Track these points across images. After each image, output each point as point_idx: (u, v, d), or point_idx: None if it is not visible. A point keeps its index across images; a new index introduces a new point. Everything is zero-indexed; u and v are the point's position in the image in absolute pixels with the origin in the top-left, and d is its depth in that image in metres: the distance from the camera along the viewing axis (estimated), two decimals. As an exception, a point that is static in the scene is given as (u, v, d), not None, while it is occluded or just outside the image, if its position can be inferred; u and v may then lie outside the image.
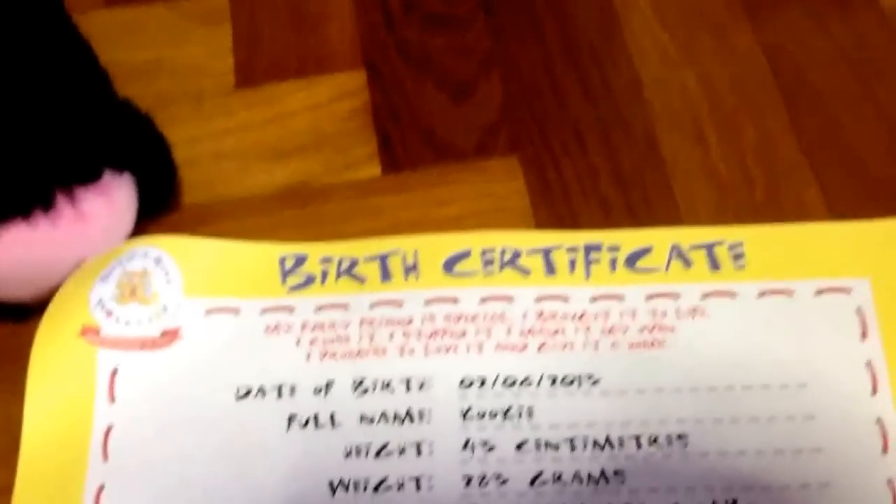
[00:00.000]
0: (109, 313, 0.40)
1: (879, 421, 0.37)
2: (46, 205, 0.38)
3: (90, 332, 0.39)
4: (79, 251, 0.40)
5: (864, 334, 0.39)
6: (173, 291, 0.40)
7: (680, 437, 0.37)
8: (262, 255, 0.42)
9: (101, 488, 0.37)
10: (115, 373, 0.39)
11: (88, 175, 0.39)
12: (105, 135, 0.40)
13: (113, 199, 0.40)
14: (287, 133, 0.46)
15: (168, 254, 0.41)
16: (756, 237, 0.41)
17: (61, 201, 0.39)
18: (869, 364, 0.38)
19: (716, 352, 0.39)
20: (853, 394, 0.38)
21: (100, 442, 0.38)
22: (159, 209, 0.43)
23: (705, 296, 0.40)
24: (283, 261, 0.41)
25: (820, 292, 0.40)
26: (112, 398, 0.39)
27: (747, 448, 0.37)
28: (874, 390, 0.38)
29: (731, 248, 0.41)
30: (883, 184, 0.43)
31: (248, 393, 0.39)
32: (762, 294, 0.40)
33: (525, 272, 0.41)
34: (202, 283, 0.41)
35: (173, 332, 0.40)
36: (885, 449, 0.37)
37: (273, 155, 0.45)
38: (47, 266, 0.40)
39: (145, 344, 0.40)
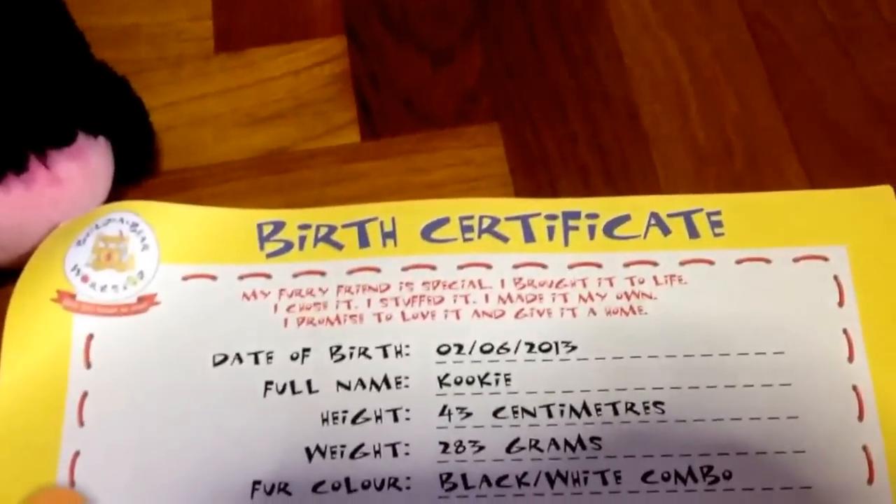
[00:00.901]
0: (85, 278, 0.39)
1: (855, 388, 0.38)
2: (19, 168, 0.38)
3: (65, 297, 0.39)
4: (53, 215, 0.40)
5: (840, 301, 0.39)
6: (150, 257, 0.40)
7: (657, 404, 0.37)
8: (240, 222, 0.41)
9: (76, 455, 0.37)
10: (90, 338, 0.39)
11: (62, 138, 0.39)
12: (80, 98, 0.40)
13: (88, 163, 0.40)
14: (266, 99, 0.46)
15: (145, 219, 0.40)
16: (735, 205, 0.41)
17: (35, 165, 0.38)
18: (845, 331, 0.39)
19: (693, 319, 0.39)
20: (830, 361, 0.38)
21: (75, 408, 0.38)
22: (136, 174, 0.43)
23: (683, 263, 0.40)
24: (260, 227, 0.41)
25: (797, 260, 0.40)
26: (87, 364, 0.38)
27: (724, 415, 0.37)
28: (850, 357, 0.38)
29: (710, 215, 0.41)
30: (862, 153, 0.43)
31: (224, 359, 0.39)
32: (740, 261, 0.40)
33: (503, 239, 0.41)
34: (179, 249, 0.40)
35: (149, 297, 0.40)
36: (860, 416, 0.37)
37: (252, 121, 0.45)
38: (21, 230, 0.39)
39: (121, 310, 0.39)
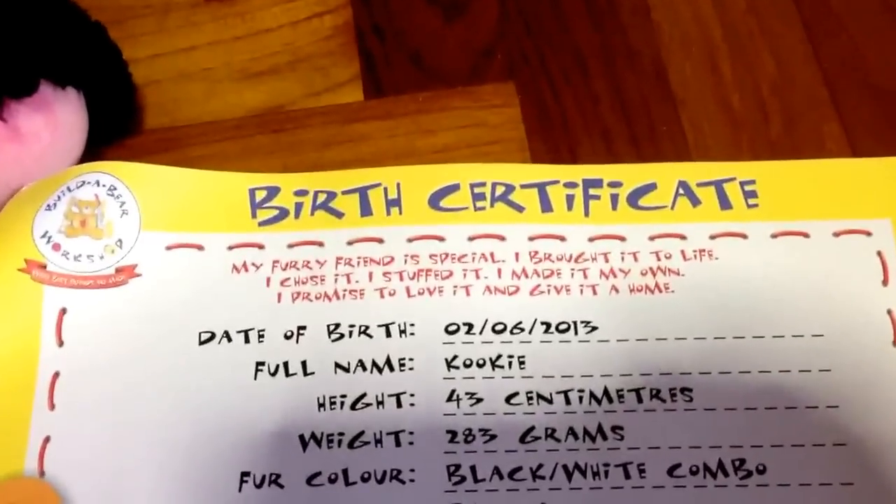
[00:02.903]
0: (56, 246, 0.38)
1: None
2: (-31, 119, 0.37)
3: (34, 266, 0.38)
4: (14, 175, 0.38)
5: (885, 280, 0.38)
6: (130, 224, 0.39)
7: (684, 390, 0.36)
8: (230, 186, 0.40)
9: (46, 440, 0.36)
10: (63, 313, 0.38)
11: (20, 87, 0.37)
12: (43, 42, 0.38)
13: (55, 117, 0.39)
14: (261, 52, 0.45)
15: (124, 182, 0.39)
16: (770, 174, 0.40)
17: (-10, 116, 0.38)
18: (890, 312, 0.37)
19: (724, 298, 0.38)
20: (873, 345, 0.37)
21: (45, 390, 0.37)
22: (116, 133, 0.42)
23: (714, 237, 0.39)
24: (253, 192, 0.40)
25: (838, 234, 0.39)
26: (60, 341, 0.37)
27: (757, 404, 0.36)
28: (895, 341, 0.37)
29: (743, 185, 0.40)
30: None
31: (211, 337, 0.38)
32: (776, 235, 0.39)
33: (518, 209, 0.40)
34: (162, 216, 0.39)
35: (129, 269, 0.39)
36: None
37: (245, 76, 0.44)
38: (-23, 191, 0.39)
39: (97, 281, 0.38)
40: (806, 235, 0.39)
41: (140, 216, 0.39)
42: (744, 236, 0.39)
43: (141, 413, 0.36)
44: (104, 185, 0.39)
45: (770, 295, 0.38)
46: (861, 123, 0.42)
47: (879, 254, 0.38)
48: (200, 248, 0.39)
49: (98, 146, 0.41)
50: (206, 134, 0.43)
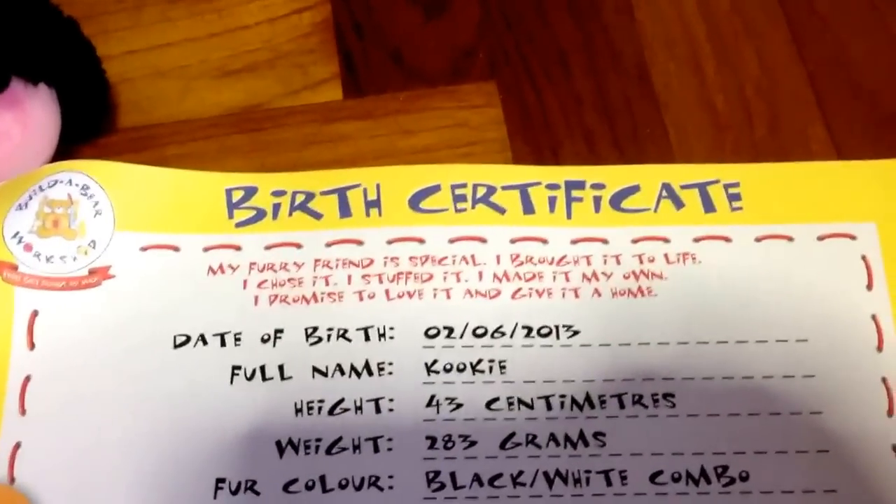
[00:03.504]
0: (28, 247, 0.38)
1: (885, 381, 0.36)
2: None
3: (5, 267, 0.37)
4: None
5: (869, 284, 0.38)
6: (103, 224, 0.39)
7: (667, 396, 0.36)
8: (207, 186, 0.40)
9: (16, 447, 0.35)
10: (34, 315, 0.37)
11: None
12: (14, 38, 0.38)
13: (26, 115, 0.38)
14: (238, 49, 0.44)
15: (97, 181, 0.39)
16: (754, 176, 0.40)
17: (-42, 114, 0.38)
18: (874, 317, 0.37)
19: (708, 302, 0.38)
20: (857, 350, 0.37)
21: (16, 394, 0.36)
22: (89, 131, 0.42)
23: (697, 239, 0.39)
24: (229, 193, 0.40)
25: (822, 238, 0.39)
26: (31, 345, 0.37)
27: (741, 410, 0.36)
28: (879, 346, 0.37)
29: (727, 187, 0.40)
30: (894, 120, 0.42)
31: (187, 341, 0.37)
32: (760, 239, 0.39)
33: (500, 210, 0.40)
34: (137, 216, 0.39)
35: (103, 270, 0.38)
36: (890, 411, 0.36)
37: (221, 73, 0.44)
38: (-54, 191, 0.38)
39: (70, 283, 0.38)
40: (790, 239, 0.39)
41: (114, 216, 0.39)
42: (727, 240, 0.39)
43: (114, 418, 0.36)
44: (77, 185, 0.38)
45: (754, 299, 0.38)
46: (846, 125, 0.42)
47: (864, 258, 0.38)
48: (176, 249, 0.39)
49: (71, 145, 0.41)
50: (181, 133, 0.42)
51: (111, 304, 0.37)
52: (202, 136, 0.42)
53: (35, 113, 0.38)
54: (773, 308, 0.37)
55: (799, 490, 0.35)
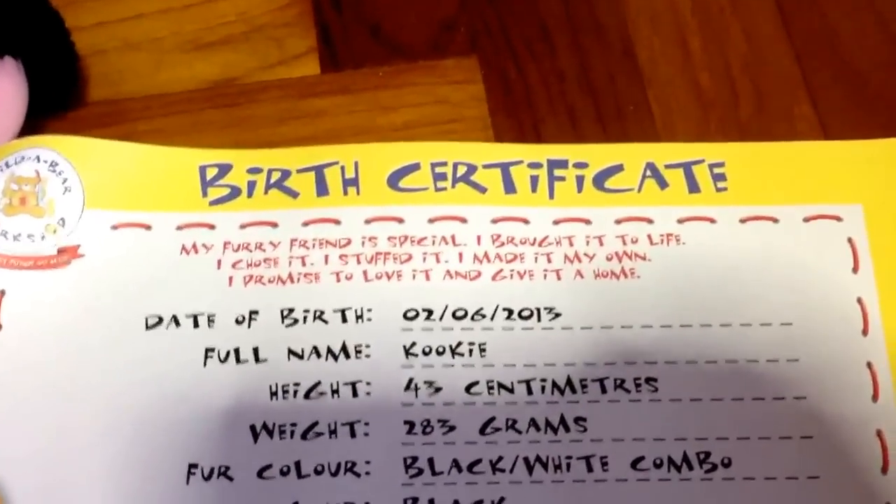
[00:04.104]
0: None
1: (870, 365, 0.36)
2: None
3: None
4: None
5: (855, 267, 0.38)
6: (72, 202, 0.38)
7: (649, 380, 0.36)
8: (180, 163, 0.40)
9: None
10: (1, 296, 0.37)
11: None
12: None
13: None
14: (212, 21, 0.44)
15: (66, 157, 0.38)
16: (740, 156, 0.40)
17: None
18: (860, 300, 0.37)
19: (691, 284, 0.38)
20: (842, 334, 0.37)
21: None
22: (57, 105, 0.41)
23: (681, 220, 0.39)
24: (203, 170, 0.40)
25: (808, 219, 0.39)
26: None
27: (724, 395, 0.36)
28: (865, 330, 0.37)
29: (712, 167, 0.40)
30: (881, 100, 0.42)
31: (159, 322, 0.37)
32: (744, 220, 0.39)
33: (481, 189, 0.39)
34: (107, 194, 0.39)
35: (72, 249, 0.38)
36: (875, 396, 0.36)
37: (195, 46, 0.43)
38: None
39: (38, 263, 0.37)
40: (775, 220, 0.38)
41: (83, 194, 0.38)
42: (712, 221, 0.39)
43: (84, 403, 0.35)
44: (45, 161, 0.38)
45: (738, 281, 0.38)
46: (833, 105, 0.41)
47: (850, 240, 0.38)
48: (148, 227, 0.38)
49: (38, 119, 0.40)
50: (153, 107, 0.42)
51: (81, 284, 0.37)
52: (175, 111, 0.42)
53: (1, 86, 0.38)
54: (758, 291, 0.37)
55: (782, 476, 0.35)
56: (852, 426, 0.35)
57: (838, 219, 0.38)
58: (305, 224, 0.39)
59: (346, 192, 0.39)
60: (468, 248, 0.38)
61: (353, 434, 0.35)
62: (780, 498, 0.34)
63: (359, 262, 0.38)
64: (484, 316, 0.37)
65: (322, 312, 0.37)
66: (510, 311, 0.37)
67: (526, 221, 0.39)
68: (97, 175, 0.39)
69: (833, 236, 0.38)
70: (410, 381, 0.36)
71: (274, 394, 0.36)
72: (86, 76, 0.42)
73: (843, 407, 0.35)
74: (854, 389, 0.36)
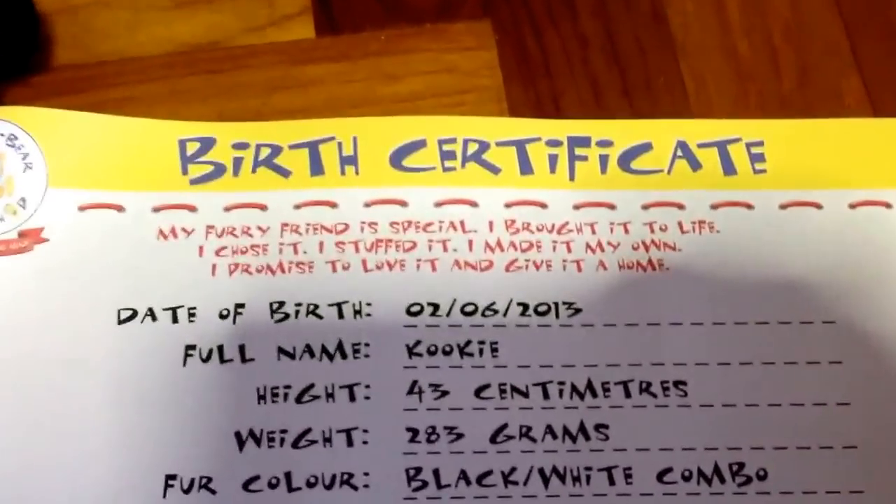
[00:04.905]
0: None
1: None
2: None
3: None
4: None
5: None
6: (34, 180, 0.37)
7: (678, 384, 0.35)
8: (157, 136, 0.39)
9: None
10: None
11: None
12: None
13: None
14: None
15: (26, 130, 0.38)
16: (780, 135, 0.39)
17: None
18: None
19: (726, 277, 0.37)
20: (890, 334, 0.36)
21: None
22: (17, 69, 0.40)
23: (715, 206, 0.38)
24: (183, 144, 0.39)
25: (854, 206, 0.38)
26: None
27: (760, 400, 0.35)
28: None
29: (750, 147, 0.39)
30: None
31: (133, 316, 0.36)
32: (785, 206, 0.38)
33: (493, 170, 0.39)
34: (74, 171, 0.38)
35: (34, 232, 0.37)
36: None
37: (175, 4, 0.42)
38: None
39: None
40: (818, 207, 0.38)
41: (47, 171, 0.37)
42: (749, 206, 0.38)
43: (50, 406, 0.34)
44: (3, 135, 0.37)
45: (777, 275, 0.37)
46: (884, 78, 0.41)
47: (901, 229, 0.38)
48: (120, 209, 0.37)
49: None
50: (127, 73, 0.41)
51: (45, 273, 0.36)
52: (152, 77, 0.41)
53: (-47, 49, 0.37)
54: (798, 285, 0.37)
55: (822, 490, 0.33)
56: (896, 435, 0.35)
57: (888, 205, 0.38)
58: (298, 207, 0.38)
59: (343, 172, 0.38)
60: (479, 236, 0.37)
61: (349, 442, 0.34)
62: None
63: (357, 250, 0.37)
64: (496, 311, 0.36)
65: (316, 306, 0.36)
66: (525, 306, 0.36)
67: (543, 206, 0.38)
68: (62, 150, 0.38)
69: (881, 224, 0.37)
70: (414, 383, 0.35)
71: (262, 397, 0.35)
72: (51, 36, 0.41)
73: (892, 414, 0.34)
74: (903, 394, 0.36)
